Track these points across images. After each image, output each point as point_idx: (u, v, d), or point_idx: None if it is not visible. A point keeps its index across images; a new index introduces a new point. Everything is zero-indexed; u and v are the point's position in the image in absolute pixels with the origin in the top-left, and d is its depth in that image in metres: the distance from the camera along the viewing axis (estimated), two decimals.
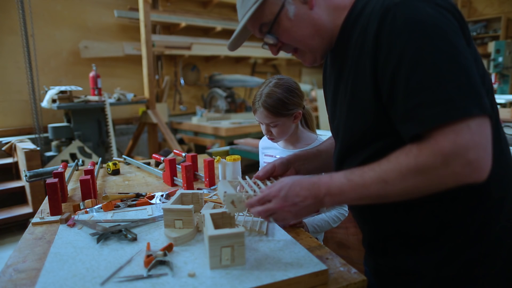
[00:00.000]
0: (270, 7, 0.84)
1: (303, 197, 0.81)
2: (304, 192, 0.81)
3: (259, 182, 1.06)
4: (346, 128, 0.87)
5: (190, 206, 1.01)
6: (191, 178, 1.49)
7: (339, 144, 0.93)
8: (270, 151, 1.57)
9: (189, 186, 1.47)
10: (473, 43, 0.77)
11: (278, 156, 1.53)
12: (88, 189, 1.33)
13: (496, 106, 0.82)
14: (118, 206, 1.29)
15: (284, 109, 1.36)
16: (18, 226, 3.49)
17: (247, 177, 1.09)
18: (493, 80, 4.58)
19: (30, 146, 3.45)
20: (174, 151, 1.99)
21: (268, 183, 1.05)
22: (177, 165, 1.61)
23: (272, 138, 1.45)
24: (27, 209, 3.49)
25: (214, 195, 1.40)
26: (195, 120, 5.00)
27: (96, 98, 3.95)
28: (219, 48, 5.68)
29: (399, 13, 0.70)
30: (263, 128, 1.44)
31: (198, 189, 1.48)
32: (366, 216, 0.94)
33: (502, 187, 0.81)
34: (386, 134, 0.77)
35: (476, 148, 0.64)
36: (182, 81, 5.89)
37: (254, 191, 0.93)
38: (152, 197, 1.37)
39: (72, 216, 1.20)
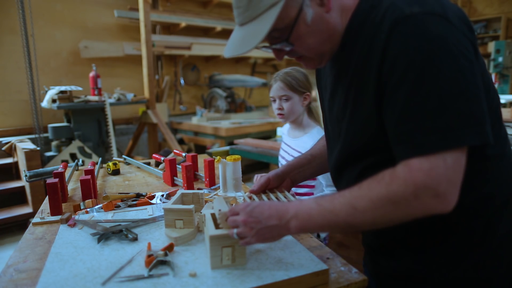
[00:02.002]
0: (288, 10, 0.73)
1: (268, 215, 0.77)
2: (270, 211, 0.78)
3: (254, 196, 1.05)
4: (346, 138, 0.85)
5: (191, 206, 1.01)
6: (192, 178, 1.49)
7: (337, 153, 0.90)
8: (283, 137, 1.79)
9: (190, 186, 1.47)
10: (480, 54, 0.75)
11: (286, 143, 1.75)
12: (89, 189, 1.33)
13: (500, 109, 0.81)
14: (118, 206, 1.29)
15: (297, 85, 1.60)
16: (18, 226, 3.49)
17: (242, 192, 1.08)
18: (493, 80, 4.58)
19: (30, 146, 3.45)
20: (174, 151, 1.99)
21: (264, 197, 1.04)
22: (177, 165, 1.61)
23: (281, 114, 1.63)
24: (27, 209, 3.49)
25: (214, 195, 1.40)
26: (195, 120, 5.00)
27: (96, 98, 3.95)
28: (219, 48, 5.68)
29: (408, 28, 0.67)
30: (275, 105, 1.64)
31: (198, 189, 1.48)
32: None
33: (505, 191, 0.80)
34: (388, 146, 0.75)
35: (447, 183, 0.65)
36: (182, 81, 5.89)
37: None
38: (153, 197, 1.37)
39: (72, 216, 1.20)
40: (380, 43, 0.70)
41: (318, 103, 1.17)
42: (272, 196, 1.05)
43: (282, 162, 1.74)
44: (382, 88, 0.72)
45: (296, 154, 1.60)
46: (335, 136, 0.91)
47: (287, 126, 1.80)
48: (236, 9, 0.78)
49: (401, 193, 0.66)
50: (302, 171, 1.16)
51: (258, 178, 1.13)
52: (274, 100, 1.64)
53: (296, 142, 1.67)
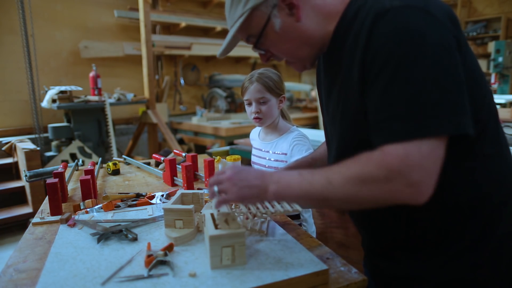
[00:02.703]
0: (256, 20, 0.82)
1: (254, 176, 0.80)
2: (256, 173, 0.81)
3: None
4: (339, 137, 0.86)
5: (191, 206, 1.01)
6: (191, 178, 1.49)
7: (334, 152, 0.91)
8: (253, 143, 1.69)
9: (189, 186, 1.47)
10: (468, 48, 0.75)
11: (257, 148, 1.64)
12: (88, 189, 1.33)
13: (495, 108, 0.81)
14: (118, 206, 1.29)
15: (275, 87, 1.50)
16: (18, 226, 3.49)
17: None
18: (493, 80, 4.57)
19: (30, 146, 3.45)
20: (174, 151, 1.99)
21: None
22: (177, 165, 1.61)
23: (259, 118, 1.51)
24: (27, 209, 3.49)
25: None
26: (195, 120, 5.00)
27: (96, 98, 3.95)
28: (219, 48, 5.59)
29: (389, 20, 0.69)
30: (250, 109, 1.52)
31: (198, 189, 1.48)
32: (365, 224, 0.94)
33: (503, 192, 0.80)
34: None
35: (420, 171, 0.64)
36: (182, 81, 5.90)
37: (249, 209, 0.92)
38: (152, 197, 1.37)
39: (72, 216, 1.20)
40: (363, 38, 0.72)
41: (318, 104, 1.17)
42: None
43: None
44: (366, 81, 0.73)
45: (276, 157, 1.53)
46: (332, 136, 0.92)
47: (257, 130, 1.69)
48: (226, 15, 0.89)
49: (373, 175, 0.67)
50: None
51: None
52: (250, 104, 1.52)
53: (271, 144, 1.57)
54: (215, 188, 0.82)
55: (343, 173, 0.71)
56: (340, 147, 0.87)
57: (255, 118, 1.52)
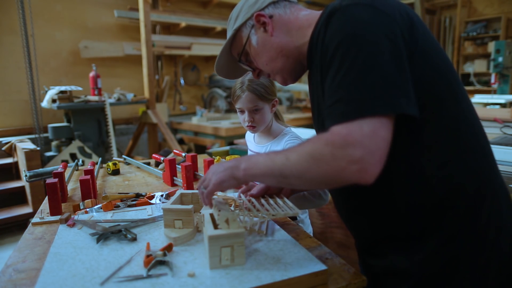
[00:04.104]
0: (239, 40, 0.99)
1: (227, 163, 0.89)
2: (230, 160, 0.90)
3: (253, 200, 1.04)
4: None
5: (190, 206, 1.01)
6: (191, 178, 1.49)
7: None
8: (249, 144, 1.68)
9: (189, 186, 1.47)
10: (430, 41, 0.79)
11: (252, 150, 1.64)
12: (88, 189, 1.33)
13: (467, 100, 0.83)
14: (118, 206, 1.29)
15: (267, 94, 1.46)
16: (18, 226, 3.49)
17: (241, 195, 1.07)
18: (493, 80, 4.57)
19: (30, 146, 3.45)
20: (174, 151, 1.99)
21: (263, 201, 1.03)
22: (177, 165, 1.61)
23: (253, 126, 1.50)
24: (27, 209, 3.49)
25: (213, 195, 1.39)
26: (195, 120, 5.00)
27: (96, 98, 3.95)
28: (219, 48, 5.63)
29: (337, 17, 0.76)
30: (243, 117, 1.50)
31: (197, 189, 1.48)
32: (353, 222, 0.96)
33: (479, 180, 0.81)
34: None
35: (362, 149, 0.67)
36: (182, 81, 5.90)
37: (249, 210, 0.92)
38: (152, 197, 1.37)
39: (72, 216, 1.20)
40: (321, 40, 0.80)
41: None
42: (271, 200, 1.04)
43: None
44: (323, 79, 0.79)
45: None
46: None
47: (252, 133, 1.64)
48: None
49: (321, 152, 0.71)
50: None
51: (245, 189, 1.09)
52: (242, 112, 1.49)
53: (265, 148, 1.55)
54: (202, 188, 0.91)
55: (298, 150, 0.76)
56: None
57: (248, 126, 1.50)
